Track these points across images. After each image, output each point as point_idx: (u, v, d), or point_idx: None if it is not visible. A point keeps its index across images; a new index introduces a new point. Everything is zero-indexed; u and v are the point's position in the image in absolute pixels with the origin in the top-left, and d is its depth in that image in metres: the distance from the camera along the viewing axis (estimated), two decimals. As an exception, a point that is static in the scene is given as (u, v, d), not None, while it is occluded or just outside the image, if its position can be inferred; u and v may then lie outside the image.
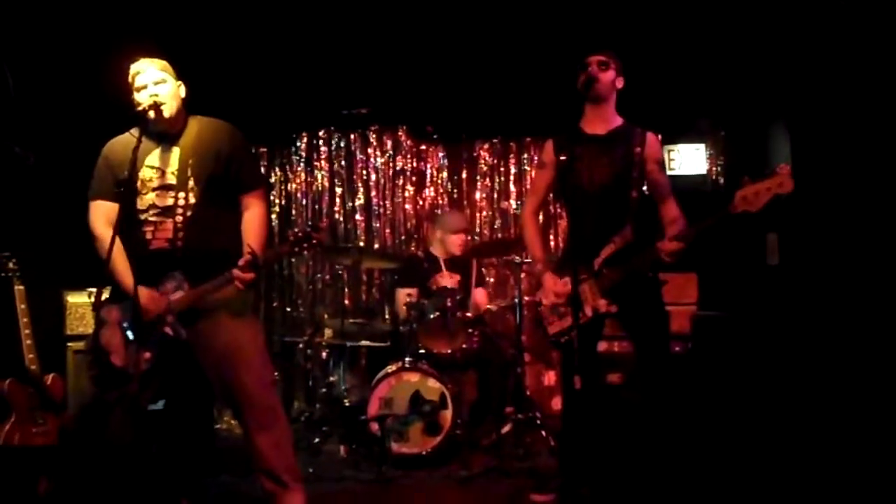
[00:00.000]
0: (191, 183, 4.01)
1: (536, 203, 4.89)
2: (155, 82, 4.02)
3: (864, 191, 5.91)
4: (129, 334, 3.92)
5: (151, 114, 3.95)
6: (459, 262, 6.71)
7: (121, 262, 3.93)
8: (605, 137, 4.53)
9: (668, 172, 7.45)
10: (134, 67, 4.07)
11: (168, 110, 4.01)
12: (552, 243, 7.90)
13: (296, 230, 3.88)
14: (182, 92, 4.14)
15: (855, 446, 4.71)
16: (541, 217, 6.28)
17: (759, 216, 4.01)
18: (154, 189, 4.01)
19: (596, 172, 4.46)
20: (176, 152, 4.06)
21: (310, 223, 7.39)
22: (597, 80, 4.42)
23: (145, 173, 4.02)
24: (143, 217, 3.99)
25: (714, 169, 7.88)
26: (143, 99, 3.98)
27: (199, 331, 4.01)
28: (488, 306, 6.76)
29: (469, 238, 6.87)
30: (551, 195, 5.35)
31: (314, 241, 3.88)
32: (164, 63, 4.11)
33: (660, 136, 5.35)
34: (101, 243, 4.00)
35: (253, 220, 4.09)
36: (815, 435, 4.94)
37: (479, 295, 6.64)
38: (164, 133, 4.07)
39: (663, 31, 6.75)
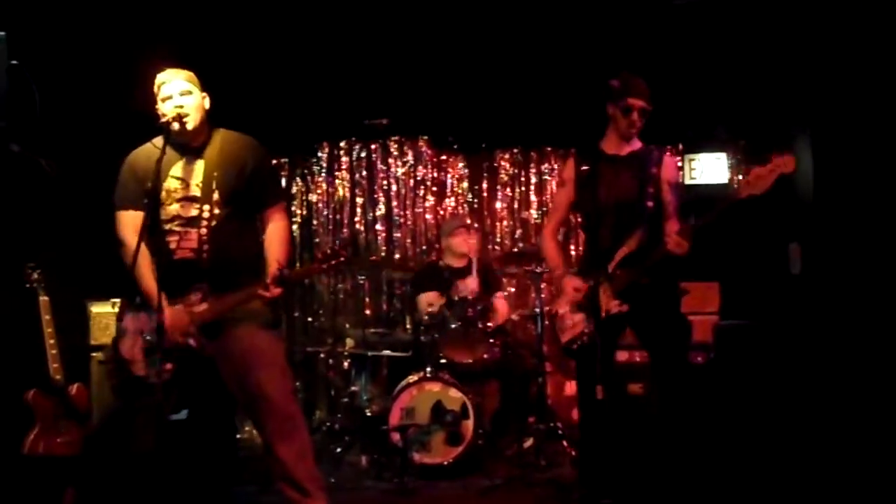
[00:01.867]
0: (215, 196, 4.03)
1: (557, 221, 4.97)
2: (181, 93, 4.04)
3: (887, 199, 5.88)
4: (151, 344, 3.94)
5: (175, 125, 3.97)
6: (478, 268, 6.70)
7: (146, 272, 3.97)
8: (625, 158, 4.61)
9: (689, 181, 7.50)
10: (160, 77, 4.09)
11: (192, 122, 4.03)
12: (573, 253, 7.89)
13: (326, 250, 3.91)
14: (206, 104, 4.15)
15: (880, 456, 4.68)
16: (561, 230, 6.27)
17: (781, 225, 4.02)
18: (178, 200, 4.04)
19: (615, 189, 4.53)
20: (200, 164, 4.09)
21: (337, 241, 7.46)
22: (635, 128, 4.54)
23: (170, 184, 4.05)
24: (167, 227, 4.02)
25: (735, 178, 7.84)
26: (167, 110, 4.00)
27: (221, 340, 4.02)
28: (511, 316, 6.75)
29: (473, 233, 6.80)
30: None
31: (342, 259, 3.92)
32: (190, 74, 4.12)
33: (678, 159, 5.39)
34: (127, 252, 4.01)
35: (276, 233, 4.11)
36: (839, 445, 4.91)
37: (500, 303, 6.62)
38: (187, 144, 4.09)
39: (684, 39, 6.74)
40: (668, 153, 4.64)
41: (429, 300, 6.45)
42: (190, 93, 4.07)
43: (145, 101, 4.22)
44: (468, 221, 6.92)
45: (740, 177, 7.80)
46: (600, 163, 4.57)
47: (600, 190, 4.50)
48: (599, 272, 4.42)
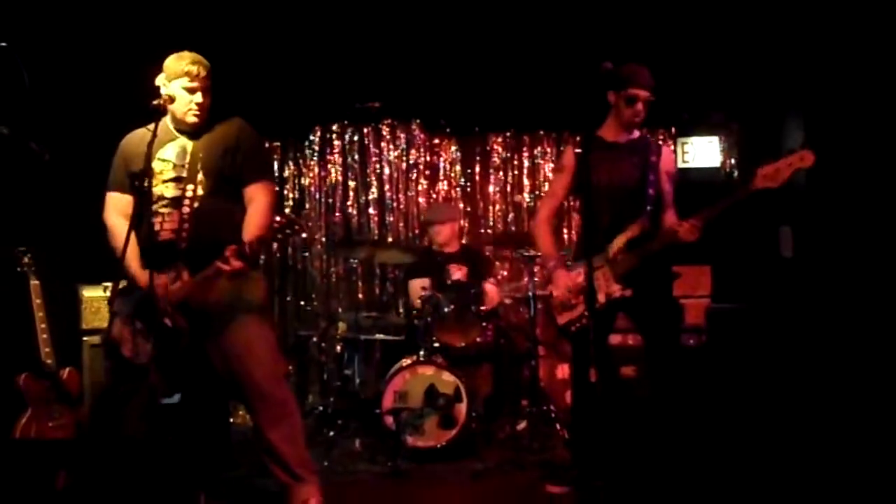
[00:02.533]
0: (200, 175, 4.03)
1: (552, 207, 4.94)
2: (206, 89, 4.06)
3: (879, 183, 5.90)
4: (137, 325, 3.94)
5: (191, 118, 4.03)
6: (467, 254, 6.71)
7: (132, 253, 3.96)
8: (624, 145, 4.63)
9: (682, 165, 7.51)
10: (189, 65, 4.04)
11: (203, 118, 4.08)
12: (566, 237, 7.89)
13: (280, 218, 3.87)
14: None
15: (869, 438, 4.70)
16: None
17: (772, 209, 4.03)
18: (165, 181, 4.04)
19: (615, 174, 4.53)
20: (188, 145, 4.09)
21: (294, 212, 7.43)
22: (639, 118, 4.56)
23: (157, 165, 4.04)
24: (153, 208, 4.02)
25: (728, 161, 7.86)
26: (186, 98, 4.02)
27: (209, 325, 4.02)
28: (504, 300, 6.75)
29: (449, 225, 6.78)
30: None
31: (296, 227, 3.88)
32: (209, 67, 4.11)
33: (671, 143, 5.38)
34: (112, 234, 4.06)
35: (255, 211, 4.06)
36: (829, 427, 4.93)
37: (490, 289, 6.58)
38: (183, 130, 4.11)
39: (677, 23, 6.73)
40: (665, 144, 4.68)
41: (422, 285, 6.45)
42: (210, 89, 4.09)
43: (136, 84, 4.20)
44: (444, 213, 6.90)
45: (732, 161, 7.83)
46: (600, 150, 4.55)
47: (601, 175, 4.49)
48: (599, 256, 4.41)
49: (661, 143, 4.74)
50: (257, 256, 4.21)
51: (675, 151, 7.46)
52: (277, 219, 3.85)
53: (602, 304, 4.39)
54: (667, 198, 4.61)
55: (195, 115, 4.04)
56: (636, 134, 4.69)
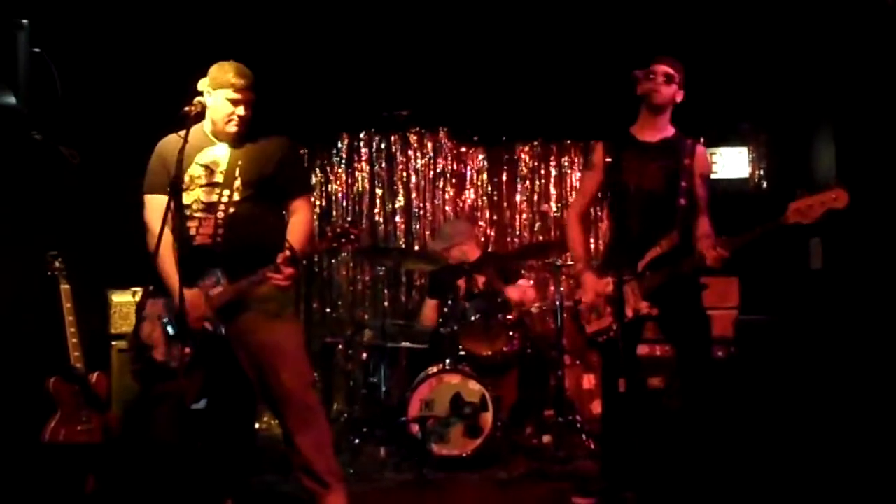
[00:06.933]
0: (237, 182, 4.06)
1: (584, 204, 4.86)
2: (250, 102, 4.10)
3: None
4: (170, 329, 3.95)
5: (232, 129, 4.07)
6: (488, 262, 6.70)
7: (167, 259, 3.97)
8: (656, 145, 4.51)
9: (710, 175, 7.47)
10: (237, 78, 4.08)
11: (243, 130, 4.12)
12: (591, 246, 7.87)
13: (334, 226, 3.90)
14: None
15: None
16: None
17: (799, 225, 3.99)
18: (202, 186, 4.07)
19: (645, 178, 4.43)
20: (227, 152, 4.13)
21: (348, 220, 7.44)
22: (658, 93, 4.42)
23: (195, 170, 4.08)
24: (189, 213, 4.05)
25: (756, 172, 7.82)
26: (228, 109, 4.06)
27: (240, 330, 4.05)
28: (532, 306, 6.72)
29: (463, 247, 6.80)
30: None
31: (352, 237, 3.92)
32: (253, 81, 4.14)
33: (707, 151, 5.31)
34: (152, 237, 4.04)
35: (299, 222, 4.13)
36: (859, 440, 4.89)
37: (513, 292, 6.57)
38: (222, 139, 4.15)
39: (707, 33, 6.71)
40: (700, 144, 4.57)
41: (431, 308, 6.49)
42: (252, 103, 4.12)
43: (168, 88, 4.23)
44: (445, 240, 6.89)
45: (761, 172, 7.80)
46: (630, 149, 4.47)
47: (629, 178, 4.41)
48: (628, 269, 4.33)
49: (696, 143, 4.58)
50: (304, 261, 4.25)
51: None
52: (335, 226, 3.89)
53: (629, 318, 4.32)
54: (701, 203, 4.49)
55: (235, 126, 4.07)
56: (670, 132, 4.54)
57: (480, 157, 8.18)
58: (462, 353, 5.93)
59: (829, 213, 3.97)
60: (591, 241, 7.91)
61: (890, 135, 6.02)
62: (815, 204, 3.96)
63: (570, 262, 6.43)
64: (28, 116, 3.79)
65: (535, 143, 8.16)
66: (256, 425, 6.12)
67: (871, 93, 6.20)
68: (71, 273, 5.27)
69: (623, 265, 4.22)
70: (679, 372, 4.57)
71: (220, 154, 4.13)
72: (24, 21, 3.72)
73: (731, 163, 7.74)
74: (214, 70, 4.10)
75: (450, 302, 6.21)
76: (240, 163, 4.09)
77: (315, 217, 7.85)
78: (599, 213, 7.81)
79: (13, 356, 5.31)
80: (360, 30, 6.83)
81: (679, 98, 4.50)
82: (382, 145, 8.13)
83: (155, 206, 4.11)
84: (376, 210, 8.09)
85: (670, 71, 4.42)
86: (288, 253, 3.82)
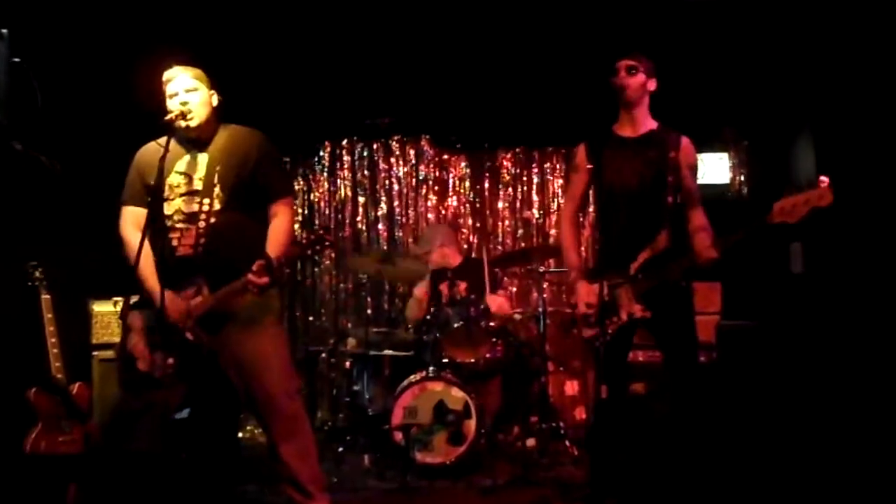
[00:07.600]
0: (217, 189, 4.03)
1: (574, 208, 4.75)
2: (186, 90, 4.06)
3: (889, 200, 5.88)
4: (154, 340, 3.94)
5: (180, 122, 3.99)
6: (469, 268, 6.71)
7: (147, 268, 3.96)
8: (637, 140, 4.42)
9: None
10: (166, 74, 4.10)
11: (196, 119, 4.04)
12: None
13: (309, 233, 3.89)
14: (214, 101, 4.17)
15: (883, 455, 4.68)
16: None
17: (784, 225, 3.98)
18: (181, 195, 4.04)
19: (627, 175, 4.33)
20: (204, 159, 4.10)
21: (322, 227, 7.44)
22: (626, 88, 4.38)
23: (173, 179, 4.05)
24: (169, 223, 4.02)
25: (737, 178, 7.85)
26: (173, 106, 4.02)
27: (224, 339, 4.02)
28: (514, 314, 6.73)
29: (444, 250, 6.83)
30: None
31: (327, 243, 3.92)
32: (197, 71, 4.13)
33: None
34: (129, 248, 4.04)
35: (278, 227, 4.07)
36: (841, 445, 4.91)
37: (493, 302, 6.52)
38: (194, 140, 4.11)
39: (688, 40, 6.74)
40: (685, 136, 4.50)
41: (420, 292, 6.49)
42: (196, 89, 4.09)
43: (149, 98, 4.22)
44: (424, 245, 6.94)
45: (742, 178, 7.82)
46: (611, 146, 4.39)
47: (613, 177, 4.33)
48: (619, 273, 4.29)
49: (680, 135, 4.50)
50: (282, 272, 4.23)
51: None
52: (309, 233, 3.87)
53: (624, 321, 4.30)
54: (692, 196, 4.41)
55: (183, 120, 4.00)
56: (652, 125, 4.45)
57: (462, 164, 8.21)
58: (445, 360, 5.93)
59: (813, 213, 3.95)
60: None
61: (869, 141, 6.06)
62: (798, 203, 3.94)
63: (552, 270, 6.48)
64: (8, 126, 3.77)
65: (518, 149, 8.19)
66: (240, 435, 6.10)
67: (851, 99, 6.25)
68: (51, 283, 5.24)
69: (613, 269, 4.21)
70: (667, 377, 4.54)
71: (197, 161, 4.10)
72: (4, 31, 3.70)
73: (712, 168, 7.77)
74: None
75: (432, 309, 6.23)
76: (217, 168, 4.05)
77: (296, 224, 7.86)
78: (582, 220, 7.81)
79: (-6, 367, 5.28)
80: (342, 38, 6.83)
81: (651, 87, 4.42)
82: (364, 153, 8.15)
83: (129, 217, 4.10)
84: (359, 218, 8.10)
85: (631, 62, 4.36)
86: (263, 262, 3.80)
